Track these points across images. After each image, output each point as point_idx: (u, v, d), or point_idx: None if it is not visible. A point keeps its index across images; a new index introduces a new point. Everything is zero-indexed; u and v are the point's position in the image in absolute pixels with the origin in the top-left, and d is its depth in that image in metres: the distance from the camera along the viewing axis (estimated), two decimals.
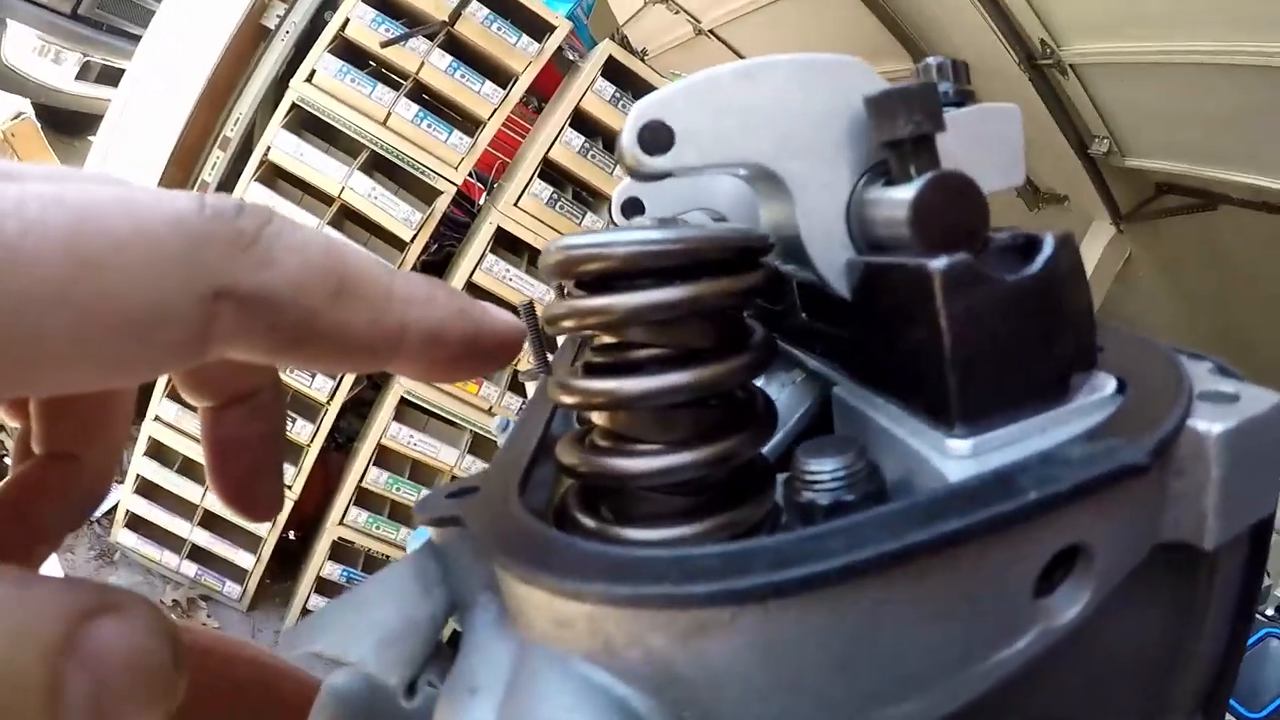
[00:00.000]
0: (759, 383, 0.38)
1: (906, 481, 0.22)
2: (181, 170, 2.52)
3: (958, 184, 0.22)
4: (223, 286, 0.17)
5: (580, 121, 2.40)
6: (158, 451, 2.50)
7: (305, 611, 2.59)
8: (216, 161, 2.49)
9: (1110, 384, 0.22)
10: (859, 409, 0.25)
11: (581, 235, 0.22)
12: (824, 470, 0.20)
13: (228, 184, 2.48)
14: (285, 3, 2.48)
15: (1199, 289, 4.03)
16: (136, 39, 2.46)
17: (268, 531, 2.57)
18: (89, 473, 0.25)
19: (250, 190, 2.28)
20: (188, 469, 2.52)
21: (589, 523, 0.24)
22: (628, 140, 0.23)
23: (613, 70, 2.42)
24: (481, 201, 2.75)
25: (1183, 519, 0.21)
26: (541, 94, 2.84)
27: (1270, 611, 0.79)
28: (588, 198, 2.52)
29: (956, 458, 0.20)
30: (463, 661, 0.22)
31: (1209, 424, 0.20)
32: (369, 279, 0.20)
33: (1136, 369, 0.23)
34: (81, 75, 4.65)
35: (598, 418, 0.25)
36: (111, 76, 4.56)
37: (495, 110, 2.35)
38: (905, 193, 0.22)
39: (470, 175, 2.49)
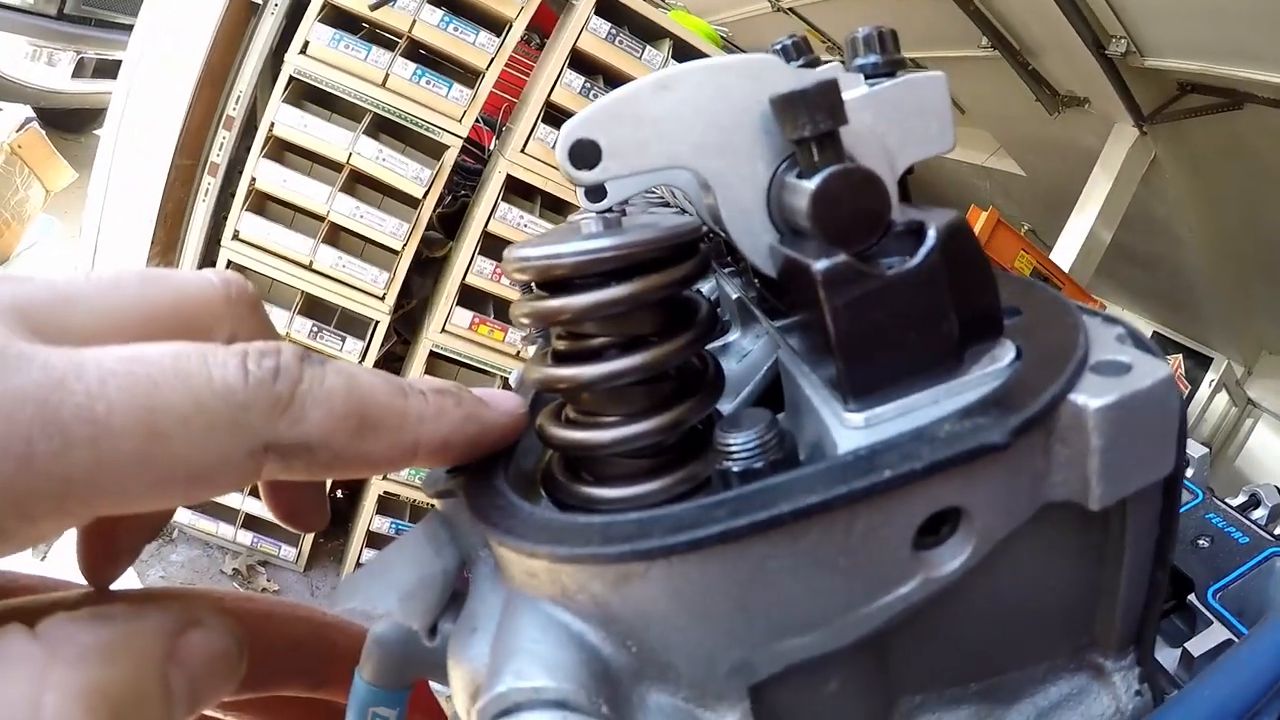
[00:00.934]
0: (735, 335, 0.41)
1: (818, 445, 0.25)
2: (190, 155, 2.55)
3: (858, 178, 0.24)
4: (266, 443, 0.22)
5: (579, 62, 2.38)
6: None
7: (359, 565, 2.69)
8: (223, 142, 2.51)
9: (1009, 354, 0.24)
10: (793, 374, 0.28)
11: (535, 245, 0.26)
12: (735, 442, 0.23)
13: (237, 162, 2.51)
14: None
15: (1227, 190, 3.93)
16: (127, 29, 2.46)
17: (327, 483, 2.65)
18: None
19: (260, 167, 2.31)
20: None
21: (568, 484, 0.28)
22: (560, 158, 0.26)
23: (608, 7, 2.39)
24: (491, 147, 2.75)
25: (1070, 481, 0.23)
26: (542, 30, 2.82)
27: (1278, 531, 0.82)
28: None
29: (850, 429, 0.23)
30: (468, 606, 0.27)
31: (1089, 398, 0.22)
32: (385, 410, 0.24)
33: (1041, 336, 0.25)
34: (78, 73, 4.65)
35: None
36: (107, 70, 4.58)
37: (492, 60, 2.34)
38: (809, 186, 0.24)
39: (478, 120, 2.49)
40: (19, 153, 2.51)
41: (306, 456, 0.23)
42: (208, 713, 0.37)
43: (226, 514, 2.69)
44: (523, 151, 2.40)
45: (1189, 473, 0.87)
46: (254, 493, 2.59)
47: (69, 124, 5.23)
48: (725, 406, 0.34)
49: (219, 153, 2.54)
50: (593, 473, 0.28)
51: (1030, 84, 3.94)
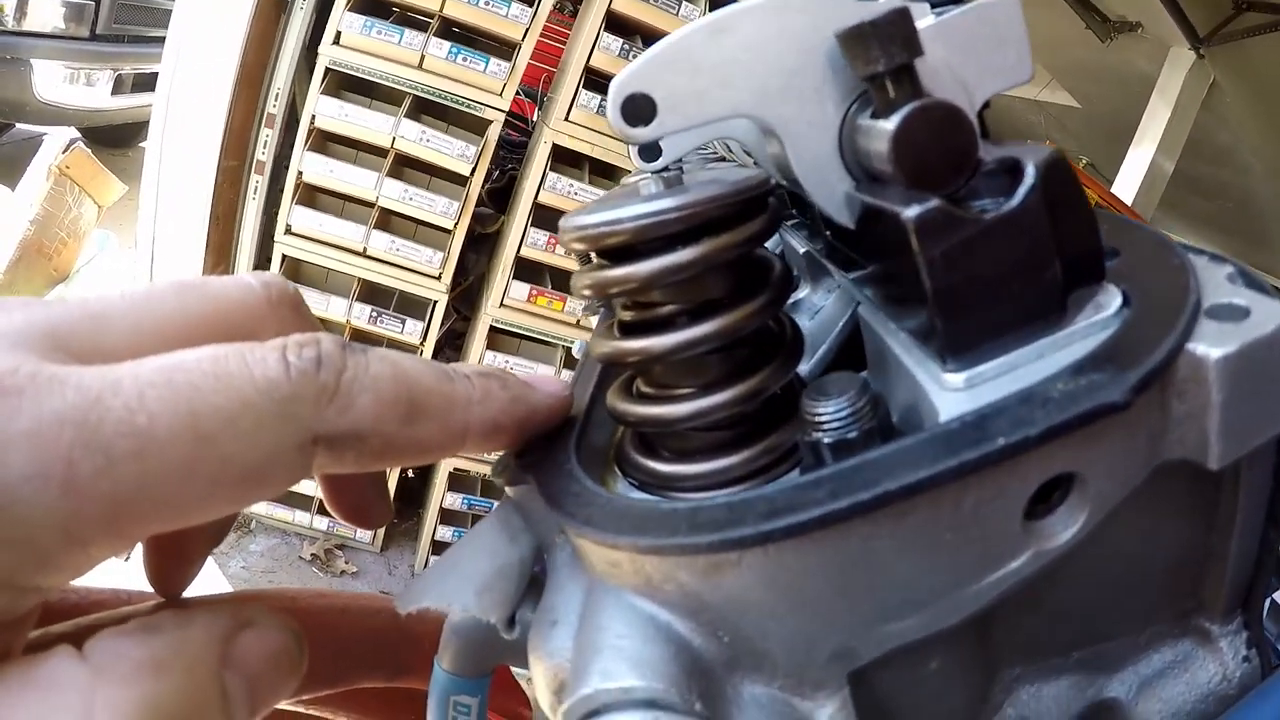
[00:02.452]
0: (805, 290, 0.39)
1: (914, 408, 0.23)
2: (235, 157, 2.58)
3: (940, 114, 0.22)
4: (315, 434, 0.21)
5: (615, 24, 2.34)
6: None
7: (434, 543, 2.74)
8: (266, 139, 2.54)
9: (1115, 300, 0.22)
10: (878, 332, 0.26)
11: (592, 212, 0.24)
12: (826, 412, 0.22)
13: (282, 157, 2.54)
14: None
15: None
16: (160, 41, 2.50)
17: (385, 474, 2.69)
18: None
19: (306, 160, 2.33)
20: None
21: (644, 461, 0.26)
22: (612, 116, 0.24)
23: None
24: (535, 118, 2.73)
25: (1187, 438, 0.21)
26: None
27: None
28: None
29: (951, 390, 0.21)
30: (547, 597, 0.26)
31: (1208, 348, 0.20)
32: (433, 394, 0.23)
33: (1146, 280, 0.23)
34: (117, 89, 4.77)
35: None
36: (146, 84, 4.71)
37: (527, 30, 2.32)
38: (888, 126, 0.22)
39: (519, 93, 2.49)
40: (68, 173, 2.58)
41: (358, 445, 0.22)
42: (294, 708, 0.38)
43: (301, 501, 2.75)
44: (567, 119, 2.38)
45: None
46: None
47: (114, 139, 5.39)
48: (802, 368, 0.32)
49: (264, 151, 2.57)
50: (669, 448, 0.27)
51: (1079, 10, 3.79)
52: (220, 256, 2.72)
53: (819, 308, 0.36)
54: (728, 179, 0.25)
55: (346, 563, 2.81)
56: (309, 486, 2.68)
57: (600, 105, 2.35)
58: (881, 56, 0.22)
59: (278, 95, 2.54)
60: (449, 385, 0.24)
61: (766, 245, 0.27)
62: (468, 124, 2.45)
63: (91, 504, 0.18)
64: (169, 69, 2.47)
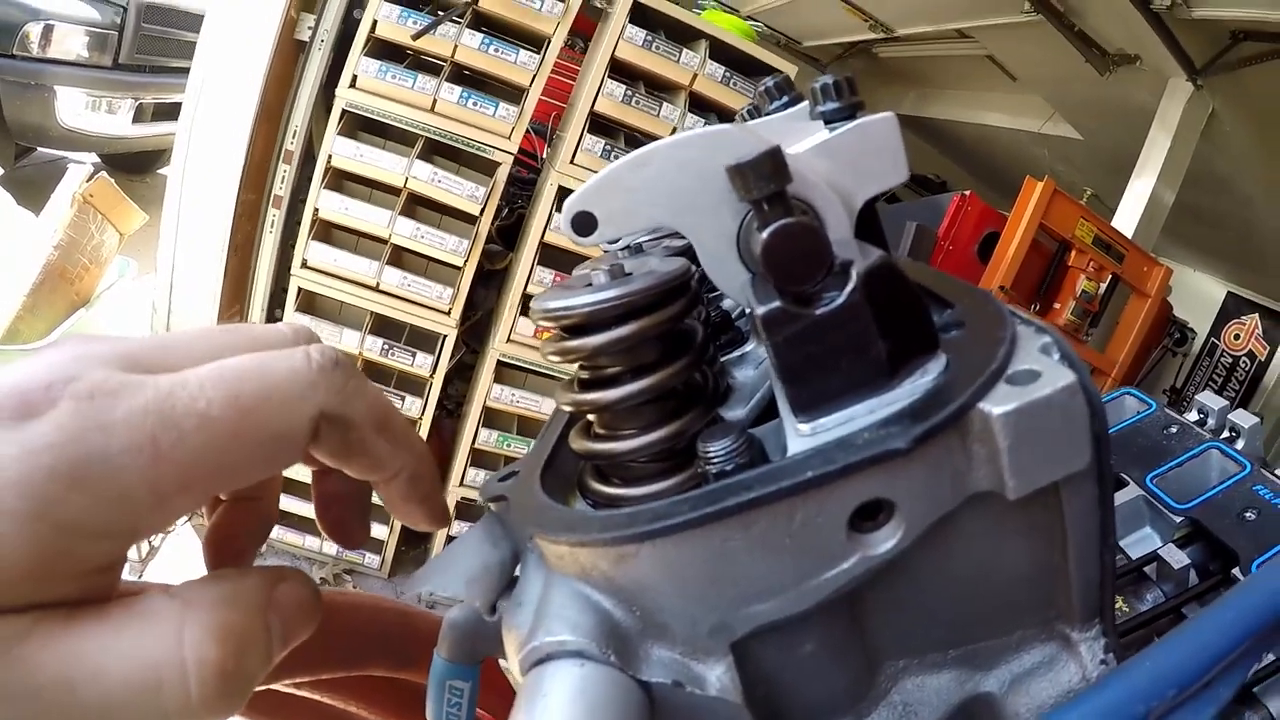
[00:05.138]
0: (752, 345, 0.47)
1: (784, 446, 0.30)
2: (253, 190, 2.68)
3: (799, 230, 0.28)
4: (323, 413, 0.28)
5: (619, 69, 2.46)
6: None
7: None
8: (284, 175, 2.65)
9: (939, 367, 0.28)
10: (774, 389, 0.33)
11: (553, 298, 0.32)
12: (710, 451, 0.29)
13: (299, 191, 2.64)
14: (313, 13, 2.58)
15: None
16: (181, 73, 2.58)
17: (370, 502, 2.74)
18: (265, 507, 0.37)
19: (322, 198, 2.43)
20: None
21: (597, 486, 0.34)
22: (565, 229, 0.32)
23: (642, 14, 2.45)
24: (544, 155, 2.82)
25: (990, 475, 0.27)
26: (585, 35, 2.91)
27: (1226, 434, 0.85)
28: (641, 140, 2.58)
29: (800, 436, 0.28)
30: (518, 586, 0.34)
31: (993, 407, 0.26)
32: (397, 422, 0.32)
33: (971, 350, 0.29)
34: (138, 118, 4.87)
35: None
36: (166, 113, 4.83)
37: (535, 75, 2.43)
38: (761, 239, 0.29)
39: (529, 130, 2.58)
40: (91, 201, 2.68)
41: (344, 432, 0.29)
42: (312, 695, 0.45)
43: (311, 526, 2.81)
44: (572, 163, 2.48)
45: (1239, 444, 0.87)
46: None
47: (135, 166, 5.50)
48: (740, 410, 0.39)
49: (281, 185, 2.67)
50: (617, 476, 0.34)
51: (1078, 45, 3.85)
52: (237, 286, 2.80)
53: (762, 359, 0.43)
54: (660, 269, 0.32)
55: (354, 586, 2.87)
56: None
57: (604, 149, 2.44)
58: (755, 187, 0.28)
59: (295, 132, 2.64)
60: (406, 423, 0.32)
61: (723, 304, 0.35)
62: (478, 165, 2.55)
63: (171, 468, 0.25)
64: (192, 102, 2.57)
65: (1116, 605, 0.79)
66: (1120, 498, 0.81)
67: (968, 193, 3.70)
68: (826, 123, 0.36)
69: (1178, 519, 0.75)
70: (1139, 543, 0.82)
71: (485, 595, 0.34)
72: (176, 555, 2.62)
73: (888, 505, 0.27)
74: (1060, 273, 3.52)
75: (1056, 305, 3.51)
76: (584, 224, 0.32)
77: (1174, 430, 0.87)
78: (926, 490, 0.27)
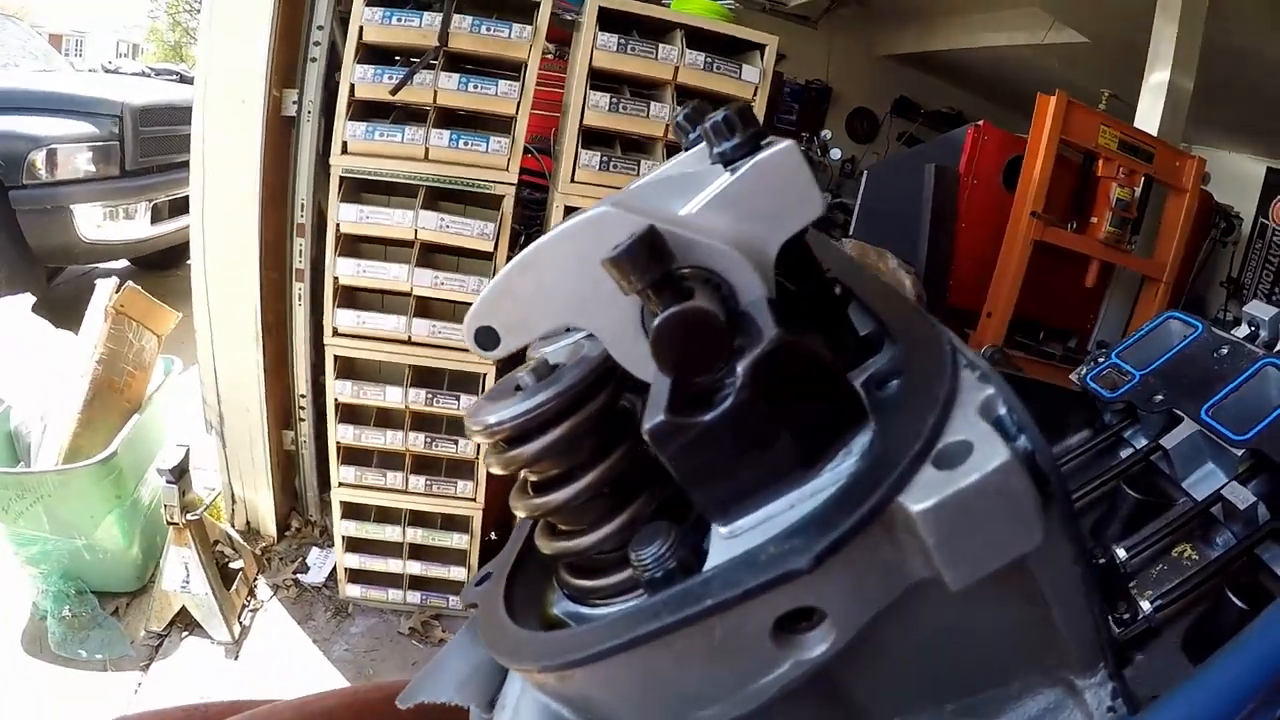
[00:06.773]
0: None
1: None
2: (275, 269, 2.75)
3: (691, 318, 0.26)
4: None
5: (601, 77, 2.44)
6: (354, 512, 2.78)
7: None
8: (301, 249, 2.71)
9: (863, 443, 0.27)
10: None
11: (485, 409, 0.31)
12: (639, 557, 0.29)
13: (319, 260, 2.68)
14: (294, 88, 2.62)
15: None
16: (189, 166, 2.66)
17: (468, 543, 2.80)
18: None
19: (338, 265, 2.46)
20: (382, 517, 2.79)
21: (568, 578, 0.34)
22: (470, 345, 0.31)
23: (611, 19, 2.43)
24: (551, 171, 2.83)
25: (927, 565, 0.25)
26: (564, 41, 2.92)
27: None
28: (639, 141, 2.60)
29: (720, 539, 0.27)
30: (504, 687, 0.34)
31: (913, 503, 0.23)
32: None
33: (903, 412, 0.26)
34: (156, 218, 5.00)
35: None
36: (183, 207, 4.87)
37: (519, 102, 2.42)
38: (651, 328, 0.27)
39: (529, 151, 2.57)
40: (124, 311, 2.77)
41: None
42: None
43: (391, 580, 2.88)
44: (573, 181, 2.47)
45: (1262, 334, 0.85)
46: (411, 555, 2.78)
47: (164, 263, 5.64)
48: None
49: (300, 258, 2.72)
50: (585, 567, 0.33)
51: None
52: (278, 363, 2.87)
53: None
54: (590, 354, 0.32)
55: (444, 631, 2.91)
56: (397, 565, 2.80)
57: (600, 161, 2.43)
58: (635, 277, 0.26)
59: (303, 206, 2.69)
60: None
61: None
62: (482, 201, 2.56)
63: None
64: (197, 196, 2.65)
65: (1186, 554, 0.77)
66: (1176, 436, 0.79)
67: (981, 122, 3.60)
68: (726, 164, 0.33)
69: (1238, 451, 0.73)
70: (1201, 482, 0.79)
71: (479, 695, 0.35)
72: (270, 629, 2.69)
73: (813, 610, 0.26)
74: (1091, 185, 3.42)
75: (1094, 219, 3.40)
76: (486, 339, 0.31)
77: (1225, 352, 0.84)
78: (854, 591, 0.25)
